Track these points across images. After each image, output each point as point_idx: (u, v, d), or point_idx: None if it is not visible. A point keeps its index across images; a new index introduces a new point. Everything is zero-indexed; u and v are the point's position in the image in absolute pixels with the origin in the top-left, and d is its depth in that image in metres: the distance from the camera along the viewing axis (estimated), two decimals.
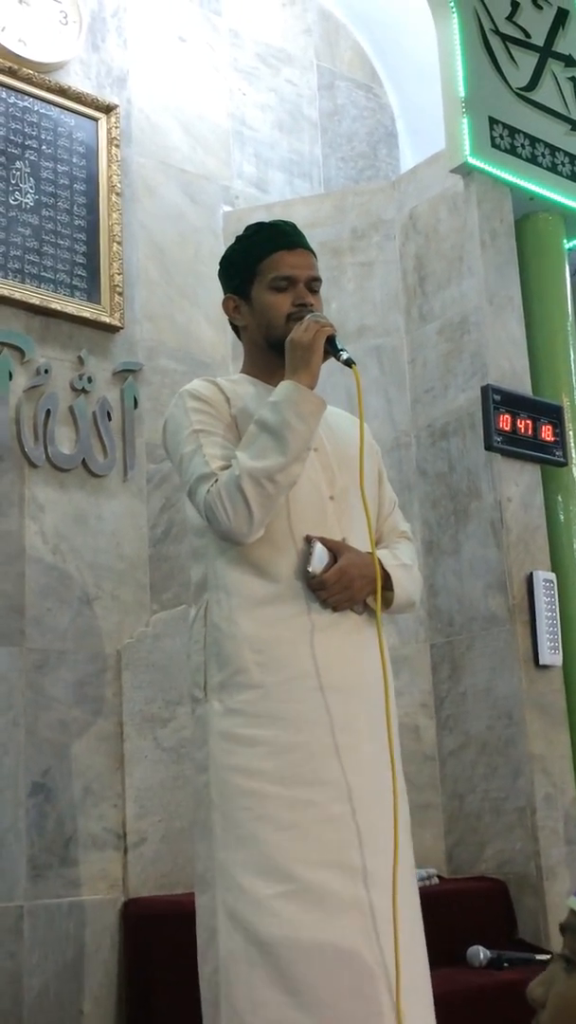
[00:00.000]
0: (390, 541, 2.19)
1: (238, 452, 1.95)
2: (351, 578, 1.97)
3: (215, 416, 2.05)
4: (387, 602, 2.07)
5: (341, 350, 2.00)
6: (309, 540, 1.97)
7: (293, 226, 2.19)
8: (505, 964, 2.89)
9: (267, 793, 1.87)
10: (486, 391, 3.43)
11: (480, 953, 2.91)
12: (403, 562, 2.12)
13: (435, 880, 3.23)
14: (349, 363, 1.98)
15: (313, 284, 2.12)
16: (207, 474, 1.97)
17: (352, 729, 1.92)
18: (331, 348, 2.00)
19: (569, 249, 3.98)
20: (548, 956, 2.98)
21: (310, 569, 1.95)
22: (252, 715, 1.91)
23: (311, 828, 1.85)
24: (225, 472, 1.95)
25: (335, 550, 1.98)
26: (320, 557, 1.96)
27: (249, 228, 2.20)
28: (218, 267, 2.23)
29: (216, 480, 1.95)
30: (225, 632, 1.97)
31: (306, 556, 1.96)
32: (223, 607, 1.99)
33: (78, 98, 3.44)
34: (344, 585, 1.96)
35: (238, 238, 2.20)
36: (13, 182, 3.26)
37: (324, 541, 1.98)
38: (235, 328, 2.22)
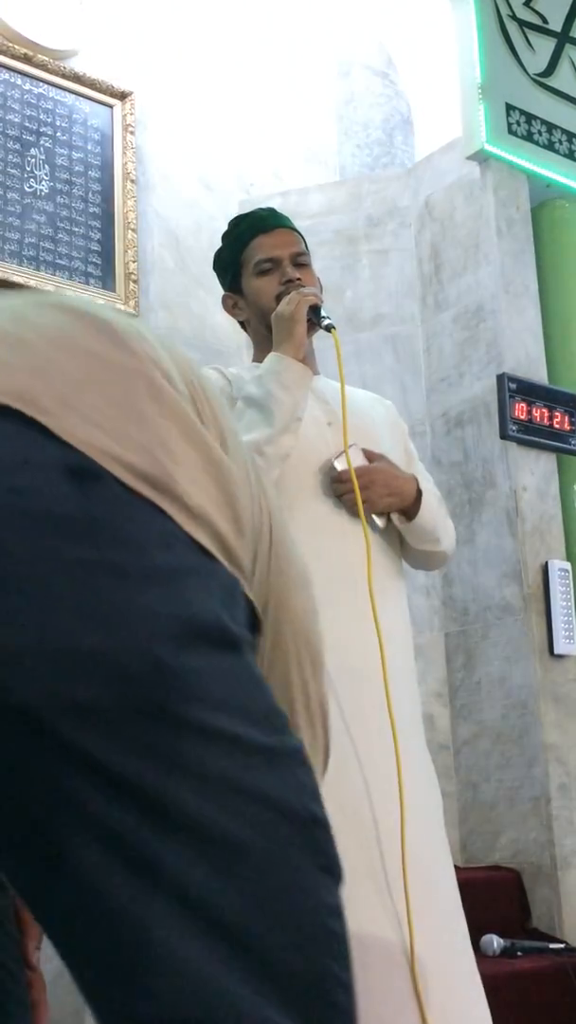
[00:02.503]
0: None
1: None
2: (372, 480, 1.94)
3: None
4: (408, 516, 2.02)
5: (323, 317, 1.99)
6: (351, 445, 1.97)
7: (271, 210, 2.20)
8: (518, 953, 2.89)
9: None
10: (501, 379, 3.41)
11: (494, 942, 2.91)
12: (440, 502, 2.09)
13: None
14: (330, 328, 1.97)
15: (298, 259, 2.10)
16: None
17: (363, 711, 1.87)
18: (314, 317, 1.99)
19: None
20: (562, 945, 2.98)
21: (335, 463, 1.94)
22: None
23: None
24: None
25: (372, 459, 1.97)
26: (351, 457, 1.95)
27: (229, 224, 2.21)
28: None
29: None
30: None
31: (337, 456, 1.95)
32: None
33: (93, 85, 3.44)
34: (363, 485, 1.92)
35: (222, 236, 2.21)
36: (28, 169, 3.25)
37: (366, 451, 1.97)
38: (242, 325, 2.22)
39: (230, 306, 2.20)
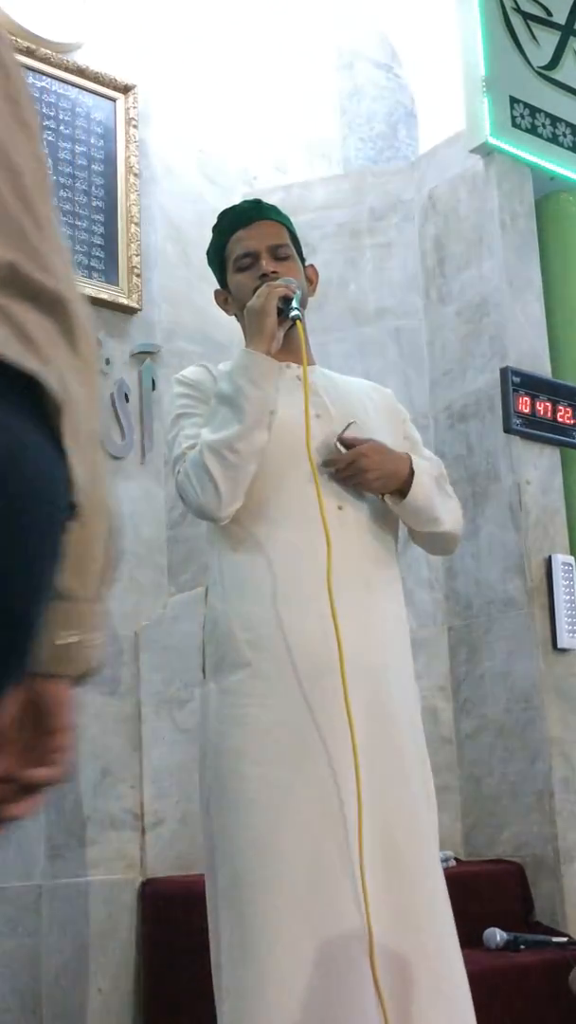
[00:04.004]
0: None
1: (202, 429, 1.95)
2: (364, 460, 1.96)
3: (198, 399, 2.05)
4: (401, 495, 2.03)
5: (291, 309, 1.97)
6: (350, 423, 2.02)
7: (254, 202, 2.19)
8: (521, 946, 2.90)
9: (252, 775, 1.85)
10: (505, 373, 3.41)
11: (496, 935, 2.91)
12: (438, 481, 2.09)
13: (452, 863, 3.23)
14: (295, 320, 1.97)
15: (278, 251, 2.09)
16: (178, 455, 1.99)
17: (330, 706, 1.85)
18: (284, 308, 1.97)
19: None
20: (565, 939, 2.99)
21: (336, 441, 1.99)
22: (243, 695, 1.90)
23: (295, 810, 1.82)
24: (192, 451, 1.95)
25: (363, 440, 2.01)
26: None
27: (216, 219, 2.20)
28: None
29: (186, 460, 1.96)
30: (219, 612, 1.97)
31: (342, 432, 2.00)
32: (218, 587, 2.00)
33: (96, 78, 3.43)
34: (359, 467, 1.96)
35: (212, 231, 2.20)
36: None
37: (353, 438, 2.01)
38: (237, 319, 2.21)
39: (222, 302, 2.20)
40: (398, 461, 2.01)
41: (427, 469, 2.07)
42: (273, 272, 2.05)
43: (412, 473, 2.02)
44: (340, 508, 1.98)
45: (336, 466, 1.97)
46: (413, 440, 2.20)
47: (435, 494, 2.07)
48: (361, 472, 1.97)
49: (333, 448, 1.99)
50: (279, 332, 1.97)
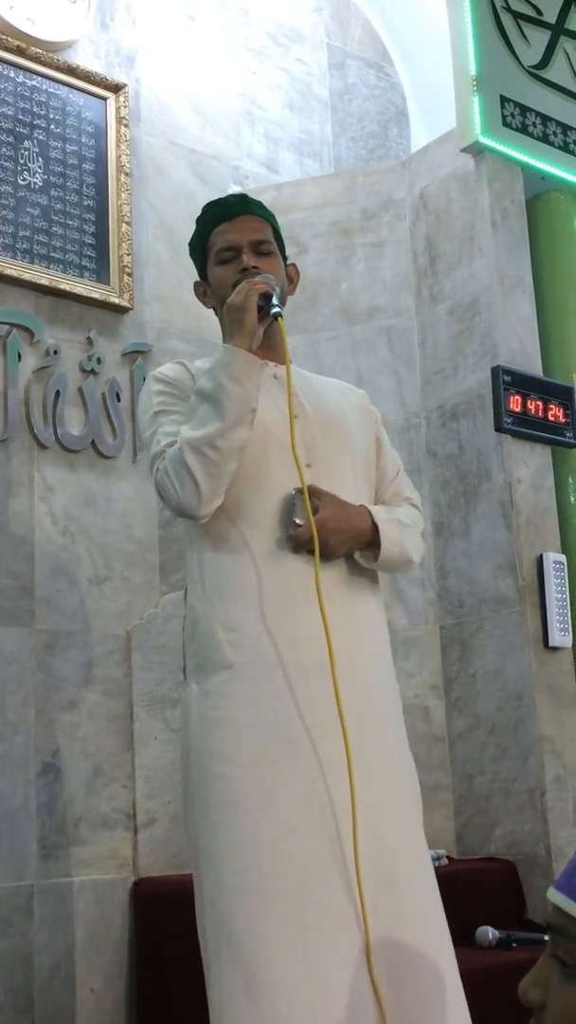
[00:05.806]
0: (392, 506, 2.14)
1: (182, 426, 1.93)
2: (328, 532, 1.91)
3: (176, 396, 2.03)
4: (374, 556, 2.01)
5: (273, 305, 1.95)
6: (297, 491, 1.93)
7: (239, 196, 2.19)
8: (514, 944, 2.90)
9: (237, 777, 1.84)
10: (496, 372, 3.41)
11: (489, 933, 2.92)
12: (398, 518, 2.06)
13: (444, 861, 3.24)
14: (276, 316, 1.95)
15: (260, 247, 2.08)
16: (157, 453, 1.97)
17: (320, 707, 1.85)
18: (264, 305, 1.95)
19: None
20: None
21: (297, 520, 1.92)
22: (225, 696, 1.89)
23: (281, 811, 1.81)
24: (171, 448, 1.93)
25: (318, 499, 1.94)
26: (300, 510, 1.93)
27: (202, 209, 2.19)
28: None
29: (165, 457, 1.94)
30: (200, 613, 1.96)
31: (291, 507, 1.93)
32: (197, 587, 1.98)
33: (87, 77, 3.42)
34: (321, 540, 1.90)
35: (196, 222, 2.20)
36: (22, 162, 3.25)
37: (312, 491, 1.93)
38: (215, 312, 2.19)
39: (200, 294, 2.19)
40: (357, 518, 1.98)
41: (384, 515, 2.03)
42: (254, 267, 2.04)
43: (375, 526, 1.99)
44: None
45: (297, 541, 1.91)
46: (381, 441, 2.20)
47: (402, 538, 2.04)
48: (324, 545, 1.92)
49: (294, 523, 1.93)
50: (259, 329, 1.96)
